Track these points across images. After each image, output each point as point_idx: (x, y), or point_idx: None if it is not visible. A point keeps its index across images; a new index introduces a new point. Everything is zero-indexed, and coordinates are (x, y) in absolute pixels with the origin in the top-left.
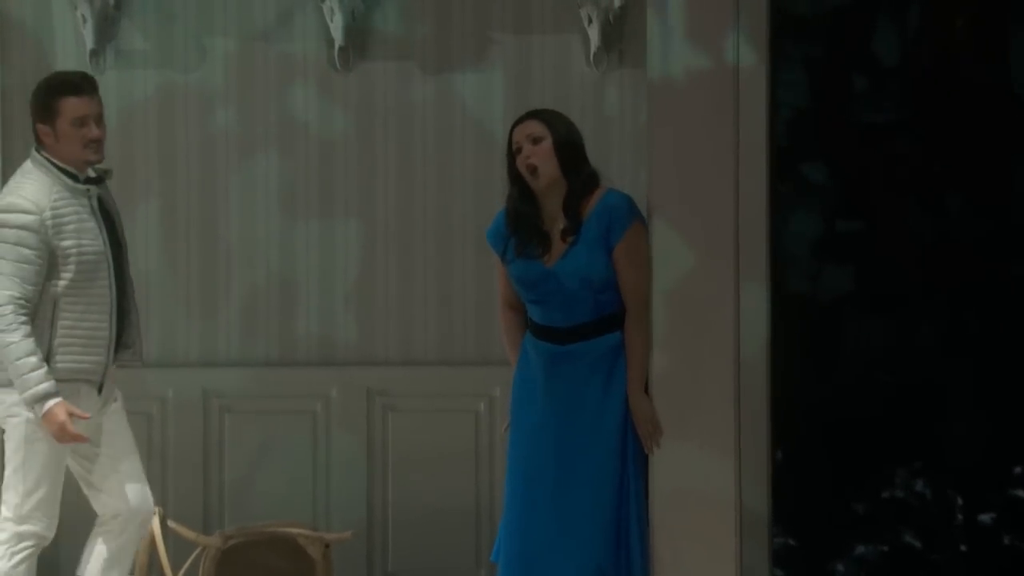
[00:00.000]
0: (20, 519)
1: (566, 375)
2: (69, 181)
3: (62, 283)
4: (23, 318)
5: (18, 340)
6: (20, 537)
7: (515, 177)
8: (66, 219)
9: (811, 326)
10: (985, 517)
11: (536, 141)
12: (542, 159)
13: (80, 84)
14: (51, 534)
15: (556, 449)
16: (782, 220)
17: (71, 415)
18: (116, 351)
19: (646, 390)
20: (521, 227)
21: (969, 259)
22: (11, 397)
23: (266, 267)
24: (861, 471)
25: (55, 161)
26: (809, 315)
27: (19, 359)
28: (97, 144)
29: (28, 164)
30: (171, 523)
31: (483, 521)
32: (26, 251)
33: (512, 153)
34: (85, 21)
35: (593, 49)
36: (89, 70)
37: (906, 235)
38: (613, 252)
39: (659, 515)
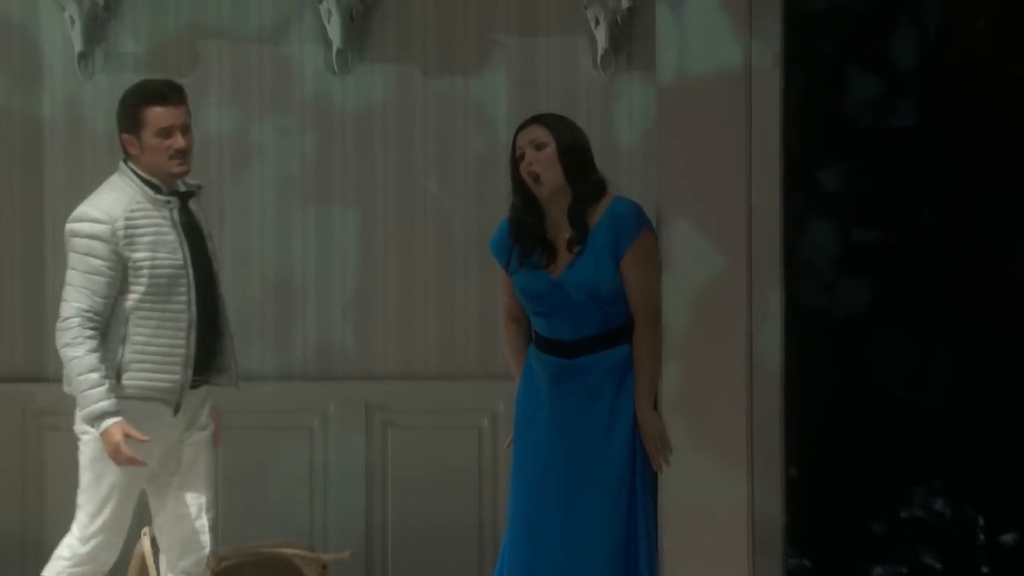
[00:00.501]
0: (84, 539)
1: (572, 390)
2: (151, 192)
3: (134, 296)
4: (90, 332)
5: (81, 355)
6: (80, 560)
7: (519, 184)
8: (141, 231)
9: (828, 338)
10: (1008, 537)
11: (540, 147)
12: (545, 166)
13: (166, 93)
14: (112, 560)
15: (562, 466)
16: (797, 228)
17: (128, 436)
18: (206, 372)
19: (655, 405)
20: (524, 236)
21: (992, 270)
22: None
23: (261, 277)
24: (879, 489)
25: (139, 172)
26: (826, 326)
27: (80, 375)
28: (183, 155)
29: (114, 176)
30: None
31: (486, 540)
32: (96, 262)
33: (515, 159)
34: (73, 22)
35: (600, 51)
36: (77, 73)
37: (927, 244)
38: (621, 262)
39: (668, 534)
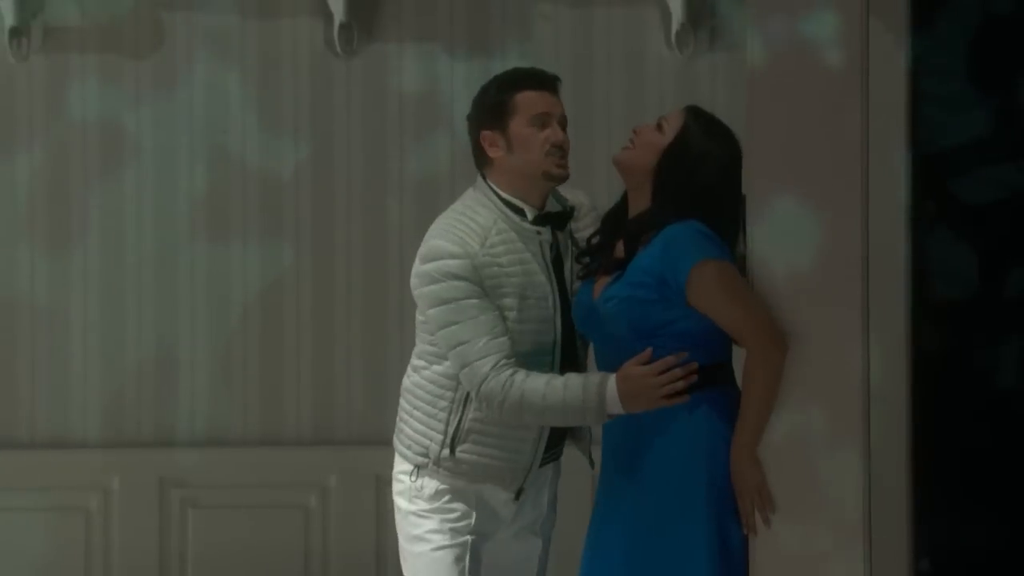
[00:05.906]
0: None
1: (624, 450)
2: (515, 219)
3: None
4: (509, 369)
5: (533, 387)
6: None
7: None
8: (505, 270)
9: (965, 390)
10: None
11: (659, 127)
12: (640, 148)
13: (542, 78)
14: None
15: (626, 523)
16: (926, 251)
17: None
18: (558, 445)
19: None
20: (604, 228)
21: None
22: (399, 483)
23: (242, 314)
24: None
25: (498, 189)
26: (963, 375)
27: (555, 402)
28: (561, 152)
29: (468, 192)
30: None
31: None
32: (473, 301)
33: None
34: None
35: (676, 27)
36: (8, 53)
37: None
38: (688, 301)
39: None
